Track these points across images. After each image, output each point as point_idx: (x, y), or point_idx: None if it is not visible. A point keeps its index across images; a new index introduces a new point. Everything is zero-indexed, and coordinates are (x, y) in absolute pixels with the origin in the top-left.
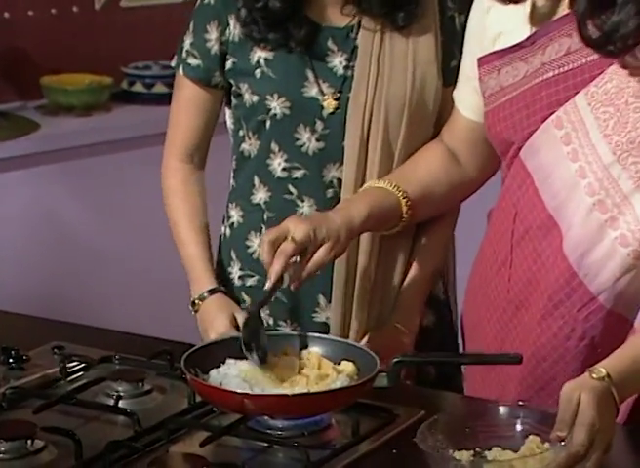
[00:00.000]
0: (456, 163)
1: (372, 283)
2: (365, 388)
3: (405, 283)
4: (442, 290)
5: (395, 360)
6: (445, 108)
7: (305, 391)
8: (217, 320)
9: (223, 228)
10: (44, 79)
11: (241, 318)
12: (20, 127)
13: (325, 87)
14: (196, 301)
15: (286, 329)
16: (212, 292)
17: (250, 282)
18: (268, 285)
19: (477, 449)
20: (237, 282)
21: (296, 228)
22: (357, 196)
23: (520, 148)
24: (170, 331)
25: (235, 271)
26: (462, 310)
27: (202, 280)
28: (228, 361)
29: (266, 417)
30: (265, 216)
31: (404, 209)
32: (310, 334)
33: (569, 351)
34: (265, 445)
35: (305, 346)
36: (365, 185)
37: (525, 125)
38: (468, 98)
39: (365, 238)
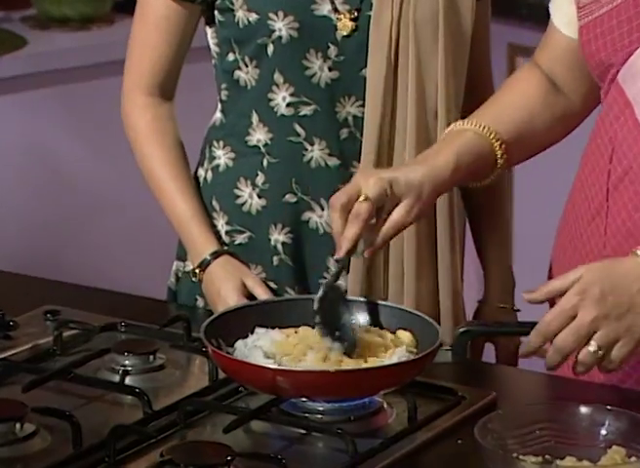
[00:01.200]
0: (556, 91)
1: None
2: (424, 364)
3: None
4: None
5: (462, 330)
6: (476, 27)
7: (352, 367)
8: (222, 290)
9: (202, 171)
10: None
11: (252, 283)
12: (2, 43)
13: (339, 3)
14: (197, 270)
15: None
16: (215, 255)
17: (240, 239)
18: (340, 253)
19: (547, 457)
20: (224, 238)
21: (367, 183)
22: (440, 143)
23: (619, 71)
24: None
25: (221, 225)
26: (550, 269)
27: (200, 243)
28: (258, 330)
29: (304, 399)
30: (265, 162)
31: (498, 153)
32: (358, 299)
33: None
34: (303, 432)
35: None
36: (447, 129)
37: (626, 43)
38: (565, 11)
39: None
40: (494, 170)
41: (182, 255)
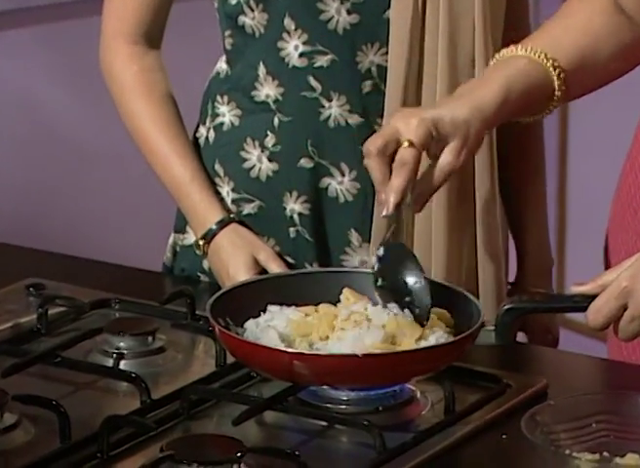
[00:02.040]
0: (623, 15)
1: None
2: (464, 347)
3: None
4: None
5: (506, 307)
6: None
7: (382, 351)
8: (231, 267)
9: (204, 130)
10: None
11: (265, 257)
12: None
13: None
14: (201, 242)
15: None
16: (221, 224)
17: (248, 209)
18: (390, 208)
19: (605, 454)
20: (229, 207)
21: (409, 125)
22: (487, 72)
23: None
24: None
25: (226, 193)
26: (606, 236)
27: (203, 210)
28: (271, 308)
29: (326, 387)
30: (276, 120)
31: (556, 84)
32: None
33: None
34: (323, 424)
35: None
36: (496, 56)
37: None
38: None
39: None
40: (549, 103)
41: (181, 227)
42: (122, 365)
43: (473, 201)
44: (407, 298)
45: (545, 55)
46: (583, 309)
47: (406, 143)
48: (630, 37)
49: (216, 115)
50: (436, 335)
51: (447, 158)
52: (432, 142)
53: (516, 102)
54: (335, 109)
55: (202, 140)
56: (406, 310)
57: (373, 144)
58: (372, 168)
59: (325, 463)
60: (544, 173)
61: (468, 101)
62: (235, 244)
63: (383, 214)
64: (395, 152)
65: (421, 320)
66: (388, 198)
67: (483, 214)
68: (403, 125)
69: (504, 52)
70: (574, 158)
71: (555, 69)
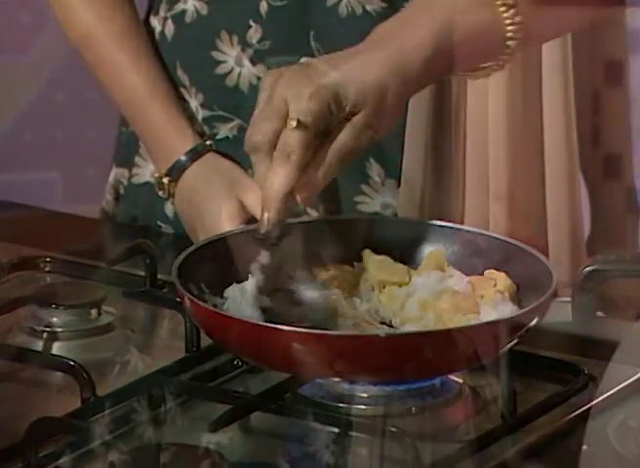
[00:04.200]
0: None
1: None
2: (529, 324)
3: None
4: None
5: (588, 269)
6: None
7: (415, 330)
8: (208, 216)
9: (157, 22)
10: None
11: (254, 201)
12: None
13: None
14: (164, 180)
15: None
16: (194, 154)
17: (224, 131)
18: (264, 224)
19: None
20: (204, 131)
21: (299, 100)
22: (414, 8)
23: None
24: None
25: (194, 108)
26: None
27: (167, 135)
28: None
29: (337, 379)
30: (264, 6)
31: (508, 25)
32: (422, 221)
33: None
34: (335, 431)
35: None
36: None
37: None
38: None
39: None
40: (501, 54)
41: (124, 159)
42: (55, 348)
43: (540, 115)
44: None
45: None
46: None
47: (293, 123)
48: None
49: (174, 1)
50: (493, 308)
51: (348, 136)
52: (332, 118)
53: (452, 54)
54: None
55: (156, 36)
56: None
57: (258, 134)
58: (258, 171)
59: None
60: None
61: (386, 54)
62: (212, 182)
63: (261, 231)
64: None
65: None
66: (265, 208)
67: (553, 131)
68: (292, 97)
69: None
70: None
71: (504, 6)
